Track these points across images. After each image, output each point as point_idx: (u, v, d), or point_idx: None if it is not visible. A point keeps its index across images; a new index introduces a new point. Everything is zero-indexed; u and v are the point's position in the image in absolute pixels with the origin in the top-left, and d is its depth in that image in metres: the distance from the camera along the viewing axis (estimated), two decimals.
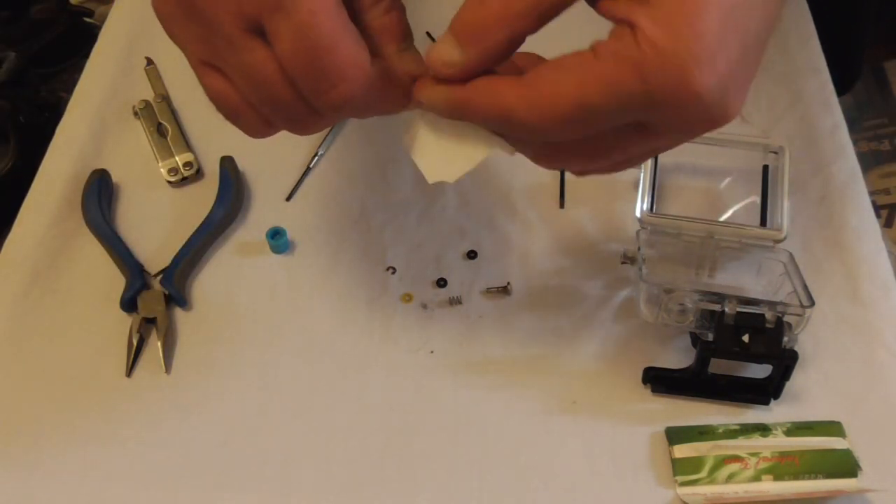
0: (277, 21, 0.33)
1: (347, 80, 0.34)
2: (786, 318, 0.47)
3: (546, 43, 0.36)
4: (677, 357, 0.52)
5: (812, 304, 0.48)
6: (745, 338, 0.47)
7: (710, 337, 0.48)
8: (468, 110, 0.35)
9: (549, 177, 0.60)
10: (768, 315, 0.47)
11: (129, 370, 0.52)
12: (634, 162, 0.38)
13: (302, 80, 0.34)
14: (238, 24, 0.34)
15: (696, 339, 0.49)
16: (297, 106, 0.35)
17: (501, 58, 0.35)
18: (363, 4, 0.36)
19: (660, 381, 0.50)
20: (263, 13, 0.33)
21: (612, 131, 0.34)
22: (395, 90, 0.37)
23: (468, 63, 0.34)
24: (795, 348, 0.48)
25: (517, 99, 0.33)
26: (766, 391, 0.49)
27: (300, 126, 0.38)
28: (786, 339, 0.47)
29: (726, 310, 0.47)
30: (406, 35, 0.38)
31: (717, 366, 0.49)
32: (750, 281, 0.53)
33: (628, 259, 0.53)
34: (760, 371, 0.49)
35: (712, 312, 0.48)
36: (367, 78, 0.34)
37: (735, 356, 0.48)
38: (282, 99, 0.35)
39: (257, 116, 0.38)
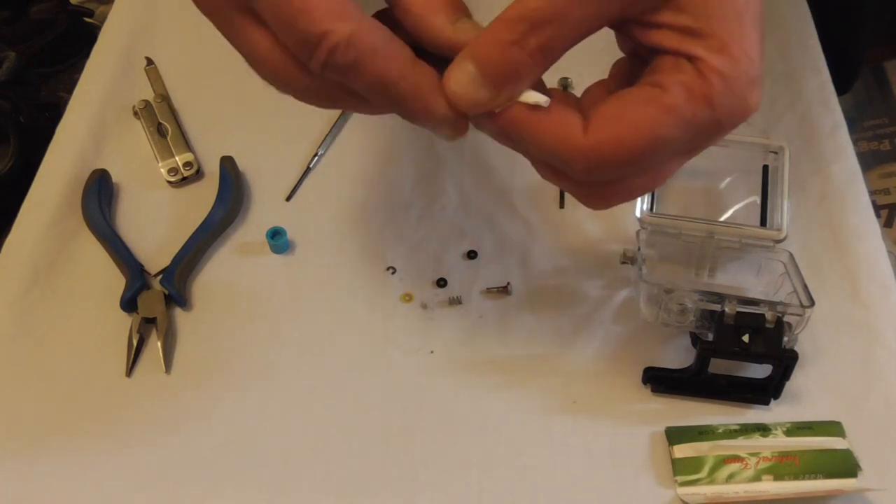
0: None
1: (330, 34, 0.32)
2: (786, 318, 0.47)
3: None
4: (677, 357, 0.52)
5: (812, 304, 0.48)
6: (745, 338, 0.47)
7: (710, 337, 0.48)
8: (528, 143, 0.35)
9: None
10: (768, 315, 0.47)
11: (129, 370, 0.52)
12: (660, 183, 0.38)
13: (294, 49, 0.33)
14: (232, 6, 0.34)
15: (696, 339, 0.49)
16: (302, 78, 0.35)
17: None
18: None
19: (660, 381, 0.50)
20: None
21: (666, 161, 0.35)
22: (428, 81, 0.34)
23: (497, 103, 0.34)
24: (795, 348, 0.48)
25: (587, 139, 0.33)
26: (766, 391, 0.49)
27: (317, 99, 0.36)
28: (786, 339, 0.47)
29: (726, 310, 0.47)
30: (456, 5, 0.35)
31: (717, 366, 0.49)
32: (750, 281, 0.53)
33: (628, 259, 0.53)
34: (760, 371, 0.49)
35: (712, 312, 0.48)
36: (353, 34, 0.32)
37: (735, 356, 0.48)
38: (283, 74, 0.35)
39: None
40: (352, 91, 0.35)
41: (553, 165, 0.36)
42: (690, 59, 0.32)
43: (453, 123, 0.35)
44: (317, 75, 0.34)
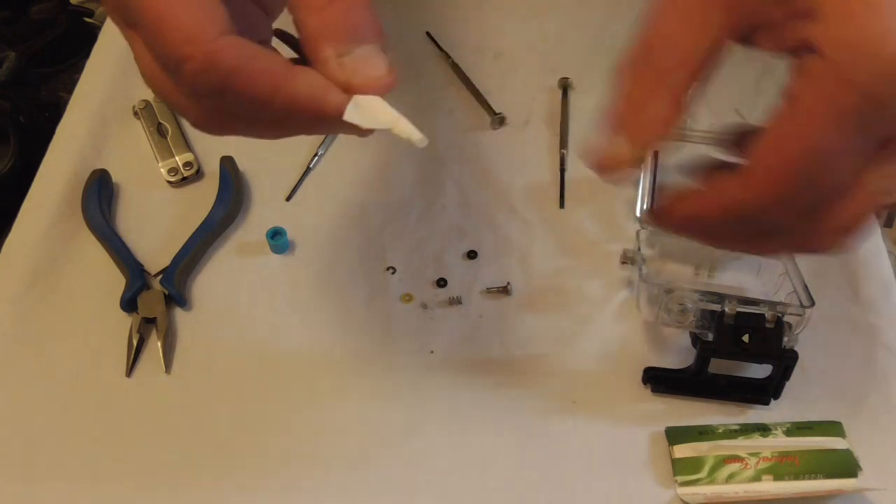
0: (127, 11, 0.32)
1: (187, 59, 0.30)
2: (786, 318, 0.47)
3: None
4: (678, 357, 0.52)
5: (812, 304, 0.48)
6: (745, 338, 0.47)
7: (710, 337, 0.48)
8: (701, 225, 0.33)
9: (549, 177, 0.60)
10: (768, 315, 0.47)
11: (129, 370, 0.52)
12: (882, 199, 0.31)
13: (166, 69, 0.31)
14: (119, 21, 0.34)
15: (696, 340, 0.49)
16: (184, 100, 0.33)
17: None
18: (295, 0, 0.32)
19: (660, 381, 0.50)
20: (122, 10, 0.32)
21: (858, 167, 0.30)
22: (321, 103, 0.31)
23: (640, 156, 0.32)
24: (795, 348, 0.48)
25: (746, 191, 0.30)
26: (766, 391, 0.49)
27: (205, 124, 0.34)
28: (786, 339, 0.47)
29: (726, 310, 0.47)
30: (353, 35, 0.32)
31: (718, 366, 0.49)
32: (750, 281, 0.53)
33: (628, 259, 0.53)
34: (760, 371, 0.49)
35: (712, 312, 0.48)
36: (209, 56, 0.29)
37: (735, 356, 0.48)
38: (166, 95, 0.33)
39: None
40: (237, 113, 0.32)
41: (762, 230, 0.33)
42: (812, 50, 0.28)
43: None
44: (198, 100, 0.32)
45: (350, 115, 0.31)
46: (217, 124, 0.34)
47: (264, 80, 0.30)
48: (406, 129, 0.33)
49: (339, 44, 0.31)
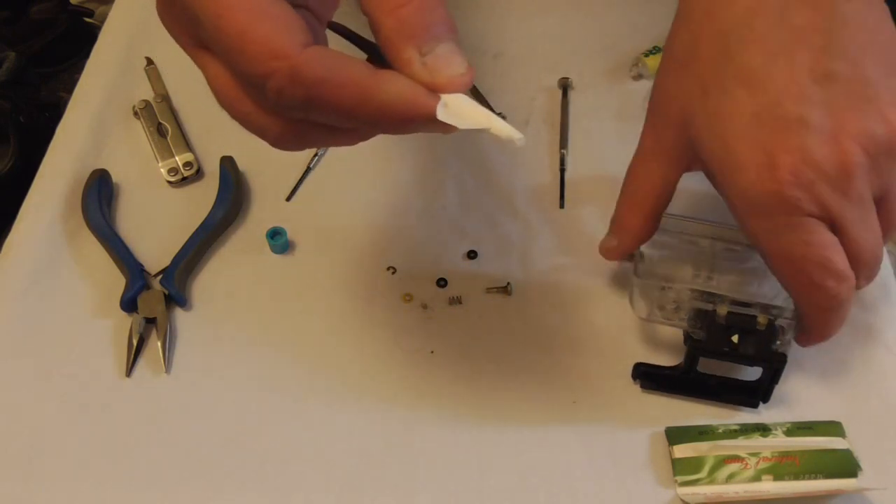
0: (204, 36, 0.32)
1: (273, 74, 0.30)
2: (779, 322, 0.47)
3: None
4: (677, 358, 0.52)
5: None
6: (735, 338, 0.47)
7: (702, 336, 0.48)
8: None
9: (549, 177, 0.60)
10: (760, 318, 0.47)
11: (129, 370, 0.52)
12: None
13: (247, 87, 0.31)
14: (188, 44, 0.34)
15: (687, 338, 0.49)
16: (259, 117, 0.33)
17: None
18: (371, 2, 0.32)
19: (649, 377, 0.50)
20: (195, 30, 0.32)
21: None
22: (413, 105, 0.31)
23: (626, 250, 0.51)
24: (787, 351, 0.47)
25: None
26: (756, 393, 0.49)
27: (283, 140, 0.34)
28: (778, 342, 0.47)
29: (717, 310, 0.47)
30: (432, 33, 0.32)
31: (710, 366, 0.49)
32: (749, 283, 0.53)
33: (629, 259, 0.53)
34: (752, 373, 0.49)
35: (705, 312, 0.48)
36: (293, 71, 0.30)
37: (723, 356, 0.48)
38: (240, 111, 0.33)
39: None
40: (320, 125, 0.33)
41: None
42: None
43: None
44: (280, 115, 0.32)
45: (442, 115, 0.31)
46: (298, 139, 0.34)
47: (352, 89, 0.30)
48: (504, 127, 0.32)
49: (420, 43, 0.31)
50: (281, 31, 0.30)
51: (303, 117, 0.32)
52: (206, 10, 0.30)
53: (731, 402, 0.50)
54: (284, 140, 0.34)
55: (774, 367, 0.47)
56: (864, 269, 0.43)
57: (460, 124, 0.31)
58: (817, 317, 0.45)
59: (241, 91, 0.32)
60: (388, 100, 0.30)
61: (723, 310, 0.47)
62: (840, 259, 0.41)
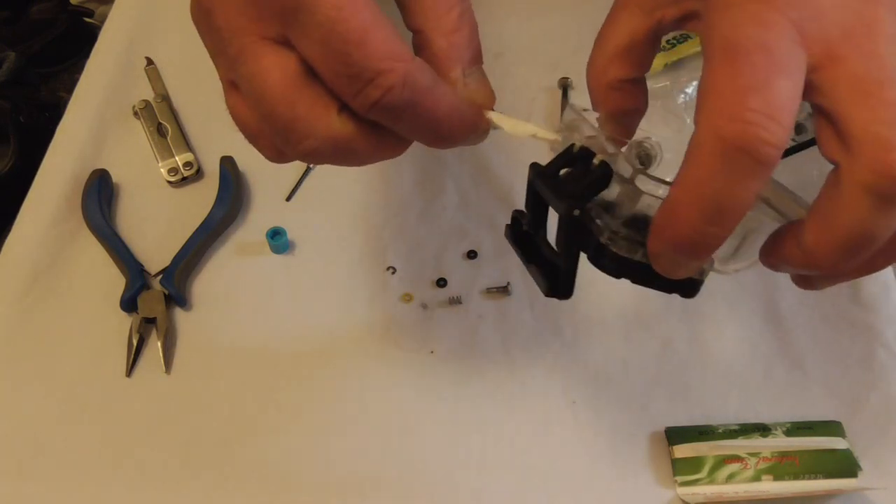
0: (301, 22, 0.32)
1: (387, 73, 0.31)
2: (619, 170, 0.35)
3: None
4: (673, 356, 0.52)
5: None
6: (563, 172, 0.36)
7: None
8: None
9: None
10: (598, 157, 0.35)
11: (129, 370, 0.52)
12: None
13: (336, 84, 0.32)
14: (254, 32, 0.33)
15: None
16: (317, 114, 0.33)
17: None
18: (427, 23, 0.35)
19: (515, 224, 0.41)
20: (286, 16, 0.32)
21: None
22: (461, 117, 0.35)
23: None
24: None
25: (802, 253, 0.33)
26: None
27: (312, 154, 0.35)
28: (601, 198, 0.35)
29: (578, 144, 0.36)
30: (472, 57, 0.35)
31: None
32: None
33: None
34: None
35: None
36: (408, 74, 0.31)
37: (543, 181, 0.37)
38: (281, 115, 0.34)
39: (270, 141, 0.37)
40: (386, 132, 0.34)
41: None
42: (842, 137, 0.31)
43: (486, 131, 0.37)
44: (361, 114, 0.33)
45: (496, 124, 0.36)
46: (364, 142, 0.35)
47: (447, 100, 0.34)
48: (545, 132, 0.36)
49: (465, 65, 0.35)
50: (398, 36, 0.32)
51: (385, 121, 0.33)
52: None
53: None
54: (344, 140, 0.35)
55: (568, 224, 0.35)
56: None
57: (512, 131, 0.36)
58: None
59: (306, 86, 0.33)
60: (468, 112, 0.35)
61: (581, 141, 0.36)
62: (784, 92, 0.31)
